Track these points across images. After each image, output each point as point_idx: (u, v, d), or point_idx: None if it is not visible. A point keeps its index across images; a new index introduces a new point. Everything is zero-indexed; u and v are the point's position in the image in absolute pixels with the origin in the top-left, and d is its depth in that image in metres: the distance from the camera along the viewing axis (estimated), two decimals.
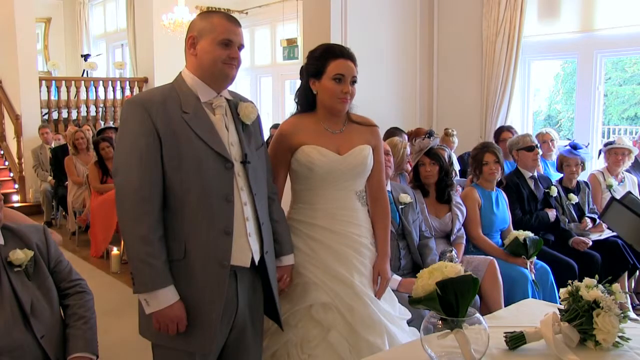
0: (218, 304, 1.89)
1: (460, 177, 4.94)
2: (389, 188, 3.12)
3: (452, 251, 3.22)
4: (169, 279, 1.83)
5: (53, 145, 7.96)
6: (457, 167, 5.53)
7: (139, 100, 1.90)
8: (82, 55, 11.83)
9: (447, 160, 3.72)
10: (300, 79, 2.32)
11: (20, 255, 2.08)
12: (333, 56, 2.20)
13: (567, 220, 4.20)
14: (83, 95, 10.20)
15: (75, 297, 2.23)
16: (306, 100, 2.29)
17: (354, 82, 2.22)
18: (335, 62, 2.18)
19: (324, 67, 2.19)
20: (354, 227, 2.26)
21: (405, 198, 3.14)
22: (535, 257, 3.59)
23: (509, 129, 5.62)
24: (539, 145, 4.34)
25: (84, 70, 11.35)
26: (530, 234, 3.57)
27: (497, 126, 6.60)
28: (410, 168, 3.81)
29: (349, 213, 2.26)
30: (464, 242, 3.63)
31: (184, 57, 2.00)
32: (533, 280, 3.50)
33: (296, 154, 2.24)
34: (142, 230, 1.80)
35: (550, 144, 5.30)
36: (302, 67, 2.32)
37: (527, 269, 3.51)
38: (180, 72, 2.00)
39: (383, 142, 3.14)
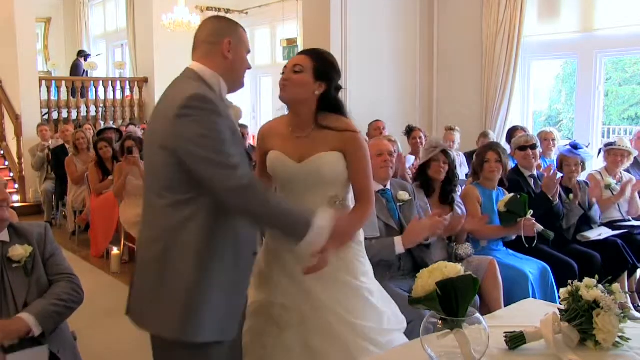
0: (246, 291, 2.05)
1: None
2: (388, 186, 3.12)
3: (468, 244, 3.39)
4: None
5: (50, 143, 7.93)
6: (465, 168, 5.54)
7: (210, 96, 1.88)
8: (82, 55, 11.83)
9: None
10: None
11: (19, 251, 2.11)
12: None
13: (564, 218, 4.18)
14: (83, 95, 10.22)
15: (61, 284, 2.21)
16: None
17: (295, 70, 2.17)
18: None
19: None
20: None
21: (404, 195, 3.13)
22: (534, 243, 3.57)
23: (523, 128, 5.73)
24: (539, 144, 4.34)
25: (84, 70, 11.36)
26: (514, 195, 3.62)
27: (497, 126, 6.62)
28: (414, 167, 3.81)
29: None
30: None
31: (192, 55, 2.00)
32: (543, 230, 3.52)
33: (267, 159, 2.26)
34: (274, 199, 1.95)
35: (552, 142, 5.32)
36: None
37: (531, 226, 3.51)
38: (196, 72, 1.95)
39: (386, 144, 3.15)
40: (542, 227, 3.56)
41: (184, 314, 1.83)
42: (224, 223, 1.91)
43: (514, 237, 3.73)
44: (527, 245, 3.58)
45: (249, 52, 2.05)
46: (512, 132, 5.70)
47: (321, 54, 2.24)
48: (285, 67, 2.22)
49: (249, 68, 2.06)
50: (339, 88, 2.25)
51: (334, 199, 2.21)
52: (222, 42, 1.94)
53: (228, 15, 10.68)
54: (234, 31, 1.99)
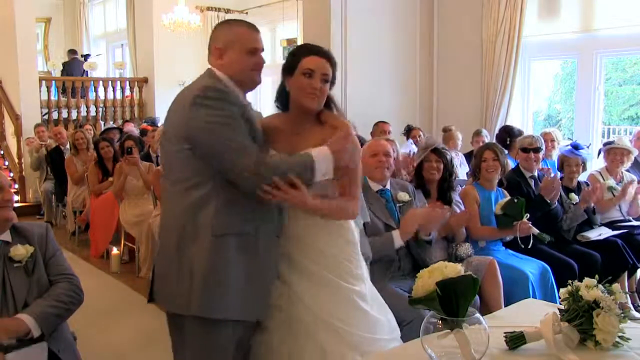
0: (274, 274, 2.08)
1: None
2: (387, 186, 3.11)
3: (468, 244, 3.39)
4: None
5: (48, 143, 7.93)
6: (466, 167, 5.54)
7: (221, 87, 2.00)
8: (82, 55, 11.83)
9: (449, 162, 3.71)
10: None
11: (20, 251, 2.12)
12: (306, 53, 2.12)
13: (567, 220, 4.19)
14: (83, 95, 10.22)
15: (61, 285, 2.22)
16: (281, 100, 2.23)
17: (325, 80, 2.10)
18: (307, 58, 2.10)
19: (297, 63, 2.11)
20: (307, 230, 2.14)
21: (404, 196, 3.13)
22: (530, 244, 3.59)
23: (512, 127, 5.73)
24: (543, 146, 4.33)
25: (84, 70, 11.36)
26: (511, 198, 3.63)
27: (497, 126, 6.60)
28: (412, 168, 3.80)
29: (304, 215, 2.12)
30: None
31: (207, 58, 2.11)
32: (539, 233, 3.54)
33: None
34: (275, 166, 1.96)
35: (551, 144, 5.30)
36: (282, 66, 2.23)
37: (527, 229, 3.53)
38: (214, 72, 2.07)
39: (383, 144, 3.15)
40: (538, 231, 3.57)
41: (202, 291, 1.93)
42: (239, 205, 1.98)
43: (509, 238, 3.74)
44: (522, 247, 3.59)
45: (252, 50, 2.06)
46: (508, 133, 5.57)
47: (334, 59, 2.17)
48: (306, 68, 2.07)
49: (257, 63, 2.08)
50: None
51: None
52: (212, 50, 2.10)
53: (228, 15, 10.72)
54: (225, 36, 2.08)
